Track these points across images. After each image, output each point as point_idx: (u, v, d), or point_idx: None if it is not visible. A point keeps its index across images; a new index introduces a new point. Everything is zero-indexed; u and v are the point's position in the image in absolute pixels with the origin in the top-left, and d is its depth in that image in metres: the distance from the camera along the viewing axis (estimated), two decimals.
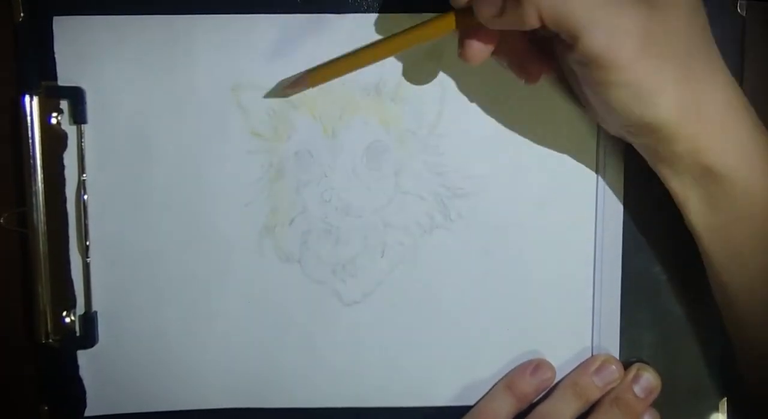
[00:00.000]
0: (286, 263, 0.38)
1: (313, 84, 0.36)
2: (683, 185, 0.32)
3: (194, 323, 0.39)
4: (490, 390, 0.39)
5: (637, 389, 0.37)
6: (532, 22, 0.28)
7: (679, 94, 0.29)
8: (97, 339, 0.38)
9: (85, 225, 0.38)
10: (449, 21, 0.31)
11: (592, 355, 0.39)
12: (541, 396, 0.39)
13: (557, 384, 0.39)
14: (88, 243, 0.38)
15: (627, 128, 0.32)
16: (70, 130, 0.37)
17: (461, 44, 0.32)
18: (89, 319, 0.38)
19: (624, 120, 0.31)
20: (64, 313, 0.38)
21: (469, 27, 0.31)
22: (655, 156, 0.32)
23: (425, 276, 0.39)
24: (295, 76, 0.36)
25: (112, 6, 0.37)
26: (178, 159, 0.38)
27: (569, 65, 0.31)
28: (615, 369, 0.38)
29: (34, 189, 0.37)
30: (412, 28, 0.32)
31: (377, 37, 0.37)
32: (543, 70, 0.34)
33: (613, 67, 0.28)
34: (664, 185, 0.33)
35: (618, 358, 0.38)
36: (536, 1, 0.27)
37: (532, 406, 0.38)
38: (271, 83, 0.37)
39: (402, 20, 0.37)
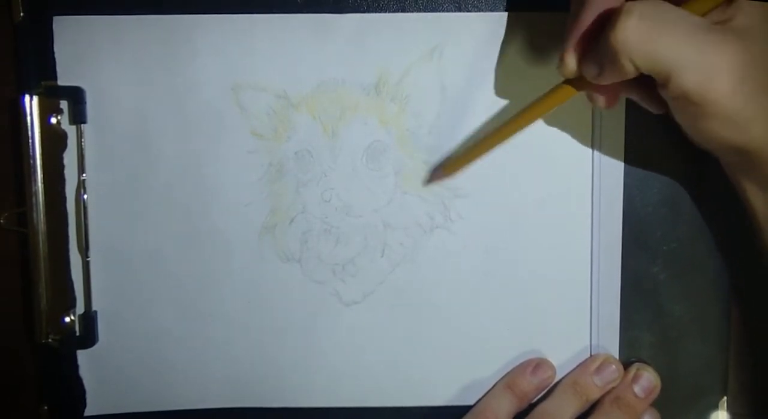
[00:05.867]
0: (286, 263, 0.38)
1: (449, 174, 0.37)
2: None
3: (194, 323, 0.39)
4: (491, 389, 0.39)
5: (637, 389, 0.37)
6: (631, 72, 0.29)
7: None
8: (97, 339, 0.38)
9: (85, 225, 0.38)
10: (568, 89, 0.32)
11: (591, 355, 0.39)
12: (541, 395, 0.39)
13: (557, 383, 0.39)
14: (88, 243, 0.38)
15: (715, 148, 0.31)
16: (70, 130, 0.37)
17: (591, 99, 0.33)
18: (89, 319, 0.38)
19: (715, 144, 0.30)
20: (64, 313, 0.38)
21: (587, 88, 0.32)
22: (740, 173, 0.32)
23: (425, 276, 0.39)
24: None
25: (112, 6, 0.37)
26: (177, 159, 0.38)
27: (664, 99, 0.31)
28: (615, 369, 0.38)
29: (34, 189, 0.37)
30: (533, 104, 0.33)
31: (377, 37, 0.37)
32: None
33: (708, 103, 0.28)
34: (662, 186, 0.33)
35: (617, 358, 0.38)
36: (627, 52, 0.28)
37: (532, 405, 0.38)
38: (271, 83, 0.37)
39: (402, 20, 0.37)
